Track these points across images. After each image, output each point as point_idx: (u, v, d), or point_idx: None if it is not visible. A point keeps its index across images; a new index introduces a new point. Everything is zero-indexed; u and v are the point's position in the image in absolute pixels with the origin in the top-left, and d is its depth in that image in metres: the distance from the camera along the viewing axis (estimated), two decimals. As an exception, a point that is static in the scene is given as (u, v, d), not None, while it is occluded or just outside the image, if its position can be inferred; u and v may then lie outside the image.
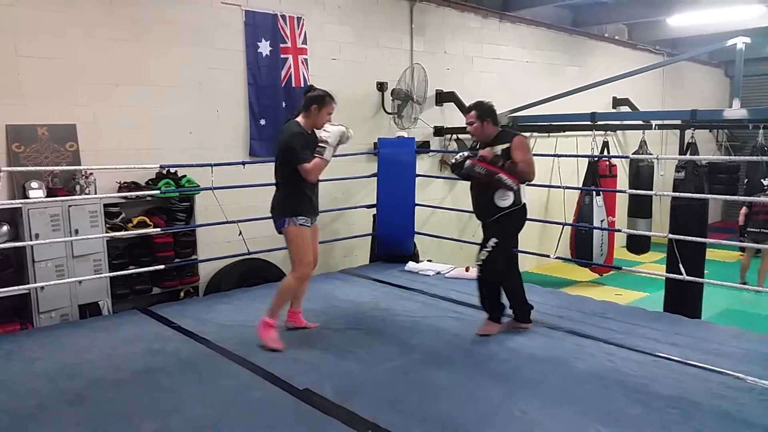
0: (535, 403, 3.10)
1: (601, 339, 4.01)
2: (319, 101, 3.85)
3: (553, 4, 8.56)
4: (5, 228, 4.46)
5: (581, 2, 8.83)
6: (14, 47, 4.58)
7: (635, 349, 3.83)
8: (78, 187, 4.71)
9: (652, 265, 8.10)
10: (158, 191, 4.96)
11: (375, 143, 6.63)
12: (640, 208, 8.05)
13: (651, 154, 7.56)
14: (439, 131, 7.59)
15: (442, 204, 7.30)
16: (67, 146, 4.83)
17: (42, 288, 4.45)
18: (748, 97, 10.08)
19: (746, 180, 9.56)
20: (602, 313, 4.62)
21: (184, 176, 5.25)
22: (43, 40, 4.70)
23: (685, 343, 3.95)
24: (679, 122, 6.45)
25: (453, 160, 4.17)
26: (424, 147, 7.28)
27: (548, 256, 5.42)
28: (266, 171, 4.41)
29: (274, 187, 3.98)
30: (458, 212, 7.20)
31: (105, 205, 4.81)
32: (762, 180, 8.04)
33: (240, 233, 4.96)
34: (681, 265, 4.64)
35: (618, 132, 9.64)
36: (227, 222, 5.07)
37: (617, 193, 7.98)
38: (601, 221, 7.74)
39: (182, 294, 5.34)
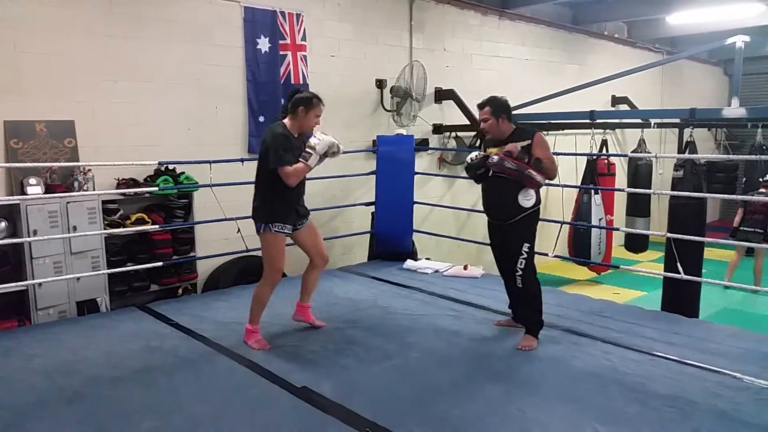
0: (532, 402, 3.10)
1: (599, 338, 4.02)
2: (306, 103, 3.69)
3: (553, 2, 8.53)
4: (3, 224, 4.45)
5: (581, 0, 8.82)
6: (13, 43, 4.57)
7: (633, 348, 3.84)
8: (76, 184, 4.70)
9: (650, 264, 8.13)
10: (156, 188, 4.96)
11: (374, 140, 6.64)
12: (639, 207, 8.06)
13: (650, 153, 7.57)
14: (438, 129, 7.58)
15: (441, 202, 7.30)
16: (66, 142, 4.82)
17: (40, 285, 4.44)
18: (747, 95, 10.05)
19: (744, 179, 9.59)
20: (600, 312, 4.63)
21: (183, 173, 5.25)
22: (42, 36, 4.69)
23: (682, 342, 3.96)
24: (677, 121, 6.43)
25: (468, 160, 3.95)
26: (423, 144, 7.26)
27: (546, 255, 5.42)
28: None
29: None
30: (457, 210, 7.21)
31: (103, 202, 4.81)
32: (760, 179, 8.03)
33: (238, 230, 4.95)
34: (679, 264, 4.65)
35: (617, 130, 9.67)
36: (226, 219, 5.06)
37: (616, 192, 7.96)
38: (600, 220, 7.75)
39: (180, 291, 5.33)
